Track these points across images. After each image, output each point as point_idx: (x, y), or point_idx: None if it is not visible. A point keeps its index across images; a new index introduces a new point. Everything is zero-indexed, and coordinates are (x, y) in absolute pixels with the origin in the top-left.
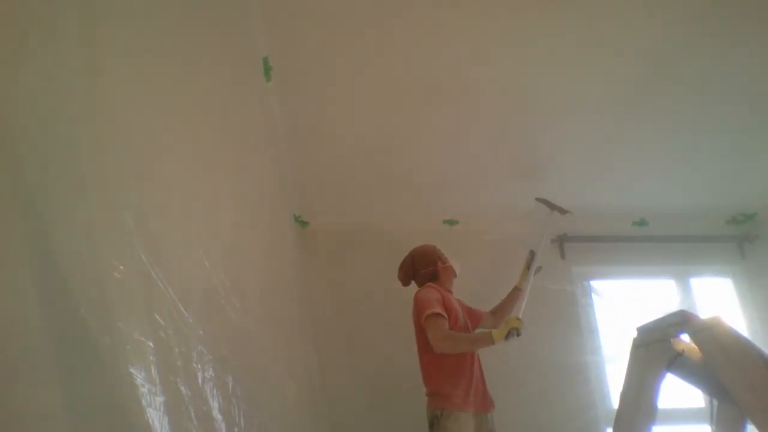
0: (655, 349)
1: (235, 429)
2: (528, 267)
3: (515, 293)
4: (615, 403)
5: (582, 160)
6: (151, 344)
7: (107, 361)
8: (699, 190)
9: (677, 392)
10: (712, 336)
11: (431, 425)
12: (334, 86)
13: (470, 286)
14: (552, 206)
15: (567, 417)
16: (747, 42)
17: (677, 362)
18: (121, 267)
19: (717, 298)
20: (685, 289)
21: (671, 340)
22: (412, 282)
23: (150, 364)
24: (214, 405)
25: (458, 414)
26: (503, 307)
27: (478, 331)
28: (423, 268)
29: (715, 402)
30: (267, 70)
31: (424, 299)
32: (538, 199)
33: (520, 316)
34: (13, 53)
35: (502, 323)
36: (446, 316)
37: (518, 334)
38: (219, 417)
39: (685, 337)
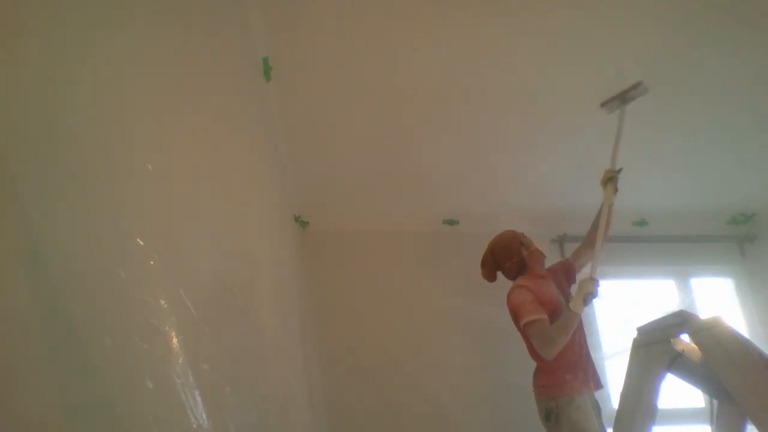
0: (656, 349)
1: (236, 430)
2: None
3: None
4: (615, 403)
5: (582, 160)
6: (151, 345)
7: (108, 363)
8: (699, 190)
9: (677, 392)
10: (712, 336)
11: (548, 417)
12: (334, 86)
13: (470, 287)
14: (623, 97)
15: None
16: (746, 45)
17: (677, 362)
18: (122, 267)
19: (717, 298)
20: (685, 289)
21: (671, 340)
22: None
23: (150, 365)
24: (217, 405)
25: (578, 399)
26: (594, 229)
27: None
28: (507, 260)
29: (715, 402)
30: (267, 70)
31: (516, 305)
32: (604, 104)
33: (594, 276)
34: (12, 53)
35: (577, 287)
36: (545, 315)
37: (594, 297)
38: (220, 417)
39: (685, 338)
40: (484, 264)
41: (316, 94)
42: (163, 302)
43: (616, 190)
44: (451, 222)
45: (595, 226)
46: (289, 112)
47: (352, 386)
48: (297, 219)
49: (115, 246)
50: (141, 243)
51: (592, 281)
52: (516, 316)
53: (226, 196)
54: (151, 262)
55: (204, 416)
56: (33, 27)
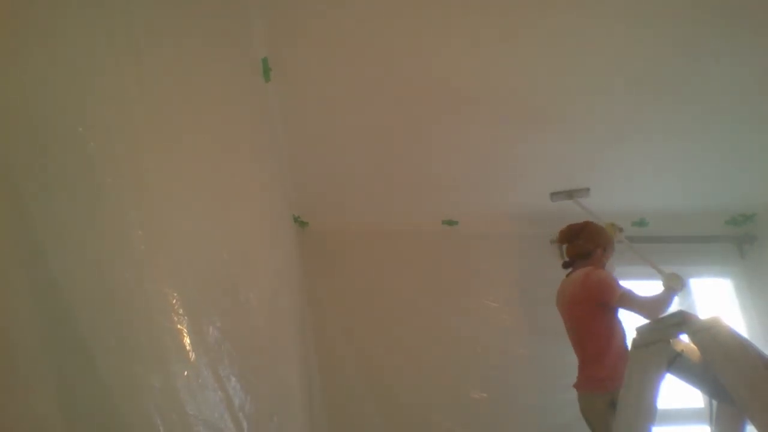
0: (655, 349)
1: (248, 428)
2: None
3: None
4: None
5: (582, 161)
6: (155, 345)
7: (112, 363)
8: (698, 190)
9: (677, 392)
10: (711, 336)
11: (611, 409)
12: (334, 86)
13: (470, 287)
14: (570, 194)
15: (567, 417)
16: (746, 45)
17: (677, 362)
18: (125, 266)
19: (716, 298)
20: (685, 290)
21: (671, 340)
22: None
23: (155, 364)
24: (221, 405)
25: None
26: None
27: None
28: (593, 243)
29: (715, 402)
30: (266, 70)
31: (606, 281)
32: (553, 195)
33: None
34: (12, 53)
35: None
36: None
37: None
38: (224, 417)
39: (684, 338)
40: (573, 229)
41: (316, 94)
42: (168, 300)
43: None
44: (450, 222)
45: None
46: (289, 112)
47: (351, 386)
48: (297, 219)
49: (118, 244)
50: (144, 242)
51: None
52: (608, 288)
53: (227, 195)
54: (156, 261)
55: (216, 415)
56: (33, 28)
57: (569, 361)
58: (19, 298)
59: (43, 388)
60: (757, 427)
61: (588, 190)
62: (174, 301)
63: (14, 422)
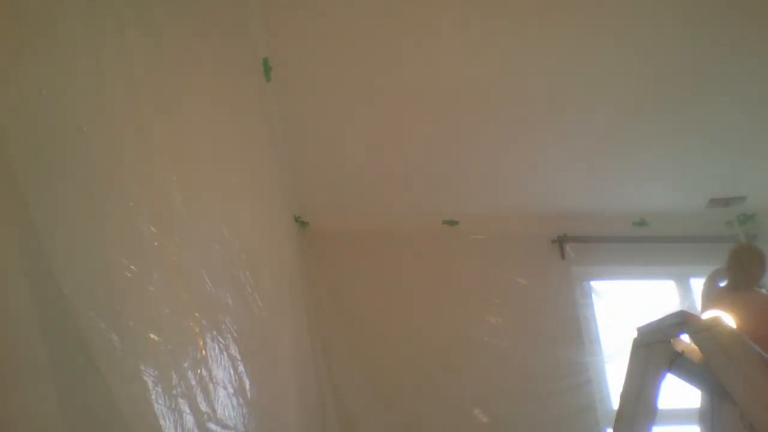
0: (656, 349)
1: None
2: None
3: None
4: (615, 403)
5: (582, 160)
6: (161, 341)
7: (115, 360)
8: (699, 190)
9: (677, 392)
10: (712, 336)
11: None
12: (334, 86)
13: (470, 287)
14: (727, 203)
15: (567, 417)
16: (746, 46)
17: (677, 362)
18: (130, 265)
19: None
20: (685, 290)
21: (671, 340)
22: None
23: (158, 362)
24: (232, 403)
25: None
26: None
27: None
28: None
29: (715, 402)
30: (267, 70)
31: None
32: (711, 201)
33: None
34: (14, 53)
35: None
36: None
37: None
38: (235, 415)
39: (685, 338)
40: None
41: (316, 94)
42: (179, 298)
43: None
44: (451, 222)
45: None
46: (289, 112)
47: (354, 384)
48: (297, 219)
49: (127, 241)
50: (146, 239)
51: None
52: None
53: (227, 196)
54: (167, 258)
55: (227, 413)
56: (38, 28)
57: (569, 362)
58: (20, 297)
59: (43, 388)
60: (757, 426)
61: (744, 198)
62: (185, 298)
63: (14, 422)
